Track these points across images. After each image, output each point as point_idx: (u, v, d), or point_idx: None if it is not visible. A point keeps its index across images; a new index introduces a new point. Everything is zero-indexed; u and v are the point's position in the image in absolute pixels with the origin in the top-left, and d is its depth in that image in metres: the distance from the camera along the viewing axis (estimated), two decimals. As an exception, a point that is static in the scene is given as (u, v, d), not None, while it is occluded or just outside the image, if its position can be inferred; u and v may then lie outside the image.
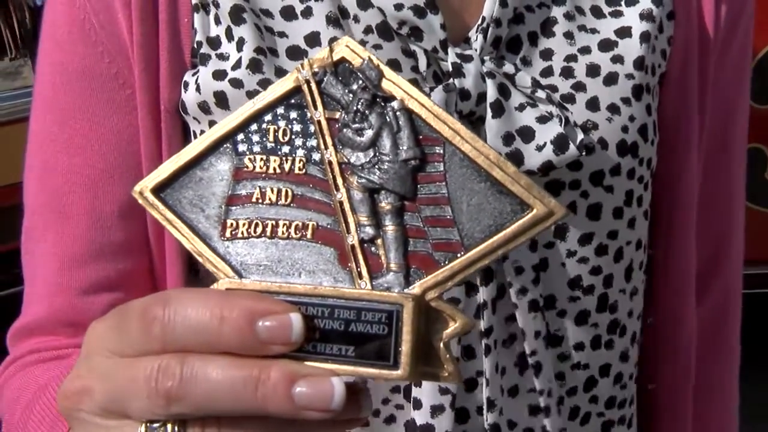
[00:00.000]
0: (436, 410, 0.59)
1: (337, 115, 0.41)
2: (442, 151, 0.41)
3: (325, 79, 0.41)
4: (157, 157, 0.60)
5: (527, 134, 0.57)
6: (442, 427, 0.59)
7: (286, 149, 0.42)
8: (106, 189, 0.62)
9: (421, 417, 0.60)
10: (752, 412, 1.47)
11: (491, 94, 0.56)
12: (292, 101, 0.42)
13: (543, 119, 0.57)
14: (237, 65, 0.57)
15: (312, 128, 0.41)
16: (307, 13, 0.58)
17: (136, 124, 0.61)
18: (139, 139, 0.61)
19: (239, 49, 0.57)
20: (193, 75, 0.59)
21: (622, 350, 0.66)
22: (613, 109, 0.60)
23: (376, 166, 0.41)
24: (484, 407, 0.61)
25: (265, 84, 0.55)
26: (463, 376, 0.61)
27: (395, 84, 0.41)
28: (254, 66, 0.56)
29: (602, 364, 0.65)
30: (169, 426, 0.39)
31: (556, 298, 0.62)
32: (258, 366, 0.38)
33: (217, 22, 0.59)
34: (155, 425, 0.39)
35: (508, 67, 0.58)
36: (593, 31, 0.62)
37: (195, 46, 0.59)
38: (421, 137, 0.41)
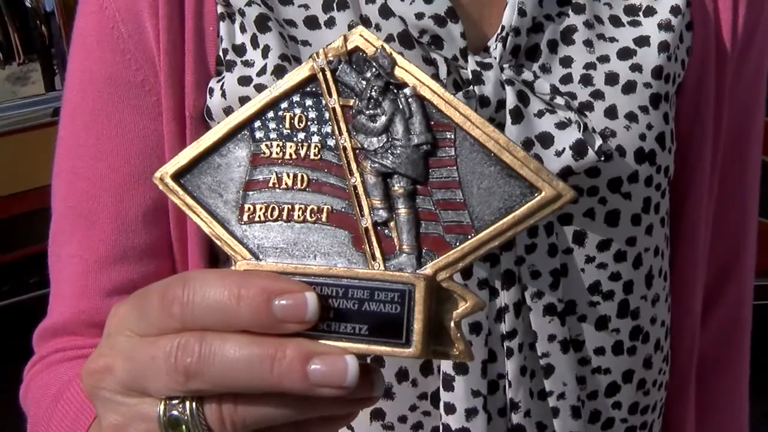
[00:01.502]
0: (471, 414, 0.60)
1: (351, 102, 0.42)
2: (453, 137, 0.42)
3: (339, 67, 0.43)
4: None
5: (546, 140, 0.57)
6: (477, 429, 0.60)
7: (301, 135, 0.43)
8: (132, 193, 0.63)
9: (455, 421, 0.60)
10: (758, 420, 1.45)
11: (511, 100, 0.57)
12: (308, 89, 0.43)
13: (562, 125, 0.57)
14: (262, 71, 0.58)
15: (327, 115, 0.43)
16: (330, 23, 0.59)
17: (162, 129, 0.62)
18: (164, 144, 0.62)
19: (264, 56, 0.58)
20: (218, 81, 0.60)
21: (645, 356, 0.66)
22: (631, 117, 0.60)
23: (389, 151, 0.42)
24: (508, 409, 0.61)
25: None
26: (488, 378, 0.61)
27: (407, 71, 0.42)
28: (279, 72, 0.57)
29: (625, 370, 0.65)
30: (187, 402, 0.40)
31: (576, 303, 0.62)
32: (274, 344, 0.39)
33: (243, 30, 0.60)
34: (174, 401, 0.40)
35: (527, 75, 0.59)
36: (612, 39, 0.62)
37: (221, 53, 0.61)
38: (432, 123, 0.42)
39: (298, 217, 0.43)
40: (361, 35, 0.43)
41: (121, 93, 0.63)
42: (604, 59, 0.61)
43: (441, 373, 0.60)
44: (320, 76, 0.43)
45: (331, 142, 0.43)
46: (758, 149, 0.75)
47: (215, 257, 0.65)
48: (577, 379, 0.63)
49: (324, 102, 0.43)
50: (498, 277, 0.60)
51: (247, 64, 0.59)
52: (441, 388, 0.60)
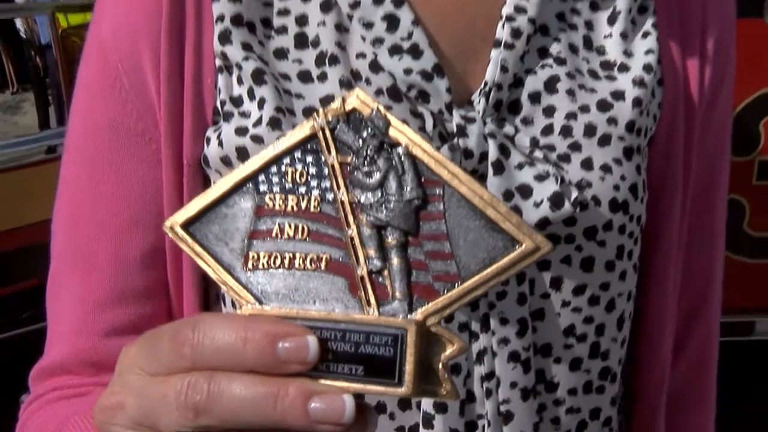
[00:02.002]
0: None
1: (349, 159, 0.46)
2: (441, 192, 0.45)
3: (338, 126, 0.46)
4: (179, 208, 0.64)
5: (526, 191, 0.61)
6: None
7: (302, 189, 0.46)
8: (131, 237, 0.66)
9: None
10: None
11: (492, 153, 0.60)
12: (309, 146, 0.47)
13: (540, 178, 0.61)
14: (258, 122, 0.61)
15: (326, 171, 0.46)
16: (323, 77, 0.62)
17: (160, 176, 0.65)
18: (163, 190, 0.65)
19: (260, 107, 0.61)
20: (215, 131, 0.63)
21: (612, 395, 0.70)
22: (606, 168, 0.63)
23: (384, 206, 0.45)
24: None
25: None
26: (466, 418, 0.64)
27: (401, 132, 0.46)
28: (274, 124, 0.60)
29: (592, 408, 0.68)
30: None
31: (552, 345, 0.65)
32: (278, 383, 0.42)
33: (240, 82, 0.63)
34: None
35: (509, 129, 0.62)
36: (592, 90, 0.65)
37: (218, 104, 0.64)
38: (423, 179, 0.45)
39: (299, 265, 0.46)
40: (358, 97, 0.46)
41: (122, 141, 0.66)
42: (584, 109, 0.64)
43: (421, 410, 0.63)
44: (320, 134, 0.46)
45: (329, 196, 0.46)
46: (724, 194, 0.78)
47: (208, 298, 0.68)
48: (551, 420, 0.66)
49: (324, 158, 0.46)
50: (477, 321, 0.63)
51: (244, 115, 0.62)
52: (421, 426, 0.63)
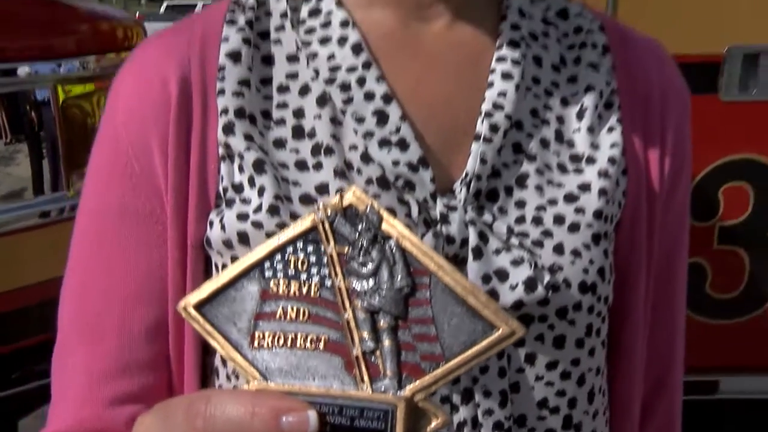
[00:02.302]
0: None
1: (346, 249, 0.52)
2: (428, 281, 0.51)
3: (336, 220, 0.52)
4: (182, 286, 0.69)
5: (502, 275, 0.66)
6: None
7: (304, 276, 0.52)
8: (136, 312, 0.70)
9: None
10: None
11: (472, 239, 0.66)
12: (310, 237, 0.52)
13: (516, 263, 0.66)
14: (258, 209, 0.65)
15: (325, 260, 0.52)
16: (318, 166, 0.66)
17: (165, 256, 0.70)
18: (167, 268, 0.70)
19: (260, 195, 0.65)
20: (217, 215, 0.68)
21: None
22: (576, 253, 0.69)
23: (377, 293, 0.51)
24: None
25: (281, 226, 0.64)
26: None
27: (392, 226, 0.52)
28: (273, 211, 0.64)
29: None
30: None
31: (527, 417, 0.70)
32: None
33: (241, 170, 0.67)
34: None
35: (487, 217, 0.67)
36: (560, 185, 0.70)
37: (221, 190, 0.69)
38: (412, 270, 0.51)
39: (300, 344, 0.51)
40: (354, 194, 0.52)
41: (131, 221, 0.70)
42: (552, 202, 0.69)
43: None
44: (320, 227, 0.52)
45: (328, 283, 0.52)
46: (685, 266, 0.83)
47: (205, 371, 0.73)
48: None
49: (323, 248, 0.52)
50: (458, 394, 0.67)
51: (245, 201, 0.66)
52: None
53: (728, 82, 2.17)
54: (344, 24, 0.70)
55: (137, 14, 20.32)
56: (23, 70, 2.07)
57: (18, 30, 2.16)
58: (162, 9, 27.84)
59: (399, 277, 0.51)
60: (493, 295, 0.65)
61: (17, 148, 2.23)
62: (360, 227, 0.52)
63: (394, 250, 0.51)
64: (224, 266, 0.68)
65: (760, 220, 2.27)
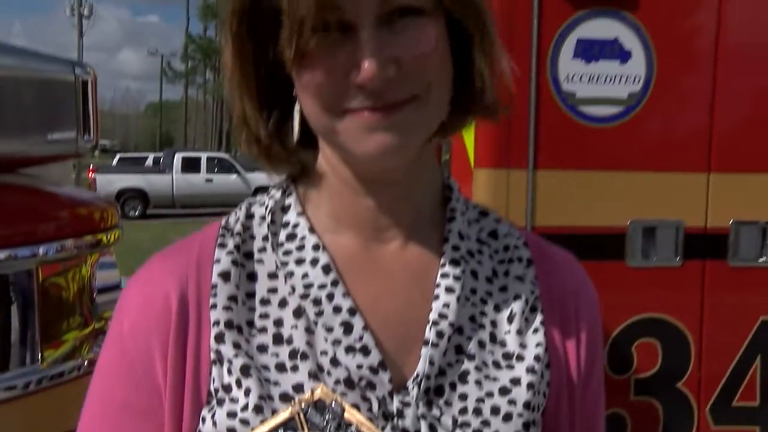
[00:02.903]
0: None
1: None
2: None
3: (308, 411, 0.69)
4: None
5: None
6: None
7: None
8: None
9: None
10: None
11: (424, 431, 0.76)
12: (289, 425, 0.69)
13: None
14: (245, 408, 0.75)
15: None
16: (295, 368, 0.77)
17: None
18: None
19: (246, 395, 0.75)
20: (209, 411, 0.77)
21: None
22: None
23: None
24: None
25: (264, 422, 0.74)
26: None
27: (353, 415, 0.69)
28: (257, 410, 0.74)
29: None
30: None
31: None
32: None
33: (230, 373, 0.77)
34: None
35: (435, 411, 0.77)
36: (495, 379, 0.80)
37: (212, 390, 0.78)
38: None
39: None
40: (322, 390, 0.70)
41: (132, 416, 0.81)
42: (489, 395, 0.80)
43: None
44: (296, 418, 0.69)
45: None
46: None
47: None
48: None
49: None
50: None
51: (233, 400, 0.76)
52: None
53: (632, 250, 2.45)
54: (316, 248, 0.82)
55: (91, 166, 19.97)
56: (3, 253, 2.22)
57: (1, 217, 2.32)
58: (114, 161, 27.89)
59: None
60: None
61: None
62: (327, 417, 0.69)
63: None
64: None
65: (669, 373, 2.51)
